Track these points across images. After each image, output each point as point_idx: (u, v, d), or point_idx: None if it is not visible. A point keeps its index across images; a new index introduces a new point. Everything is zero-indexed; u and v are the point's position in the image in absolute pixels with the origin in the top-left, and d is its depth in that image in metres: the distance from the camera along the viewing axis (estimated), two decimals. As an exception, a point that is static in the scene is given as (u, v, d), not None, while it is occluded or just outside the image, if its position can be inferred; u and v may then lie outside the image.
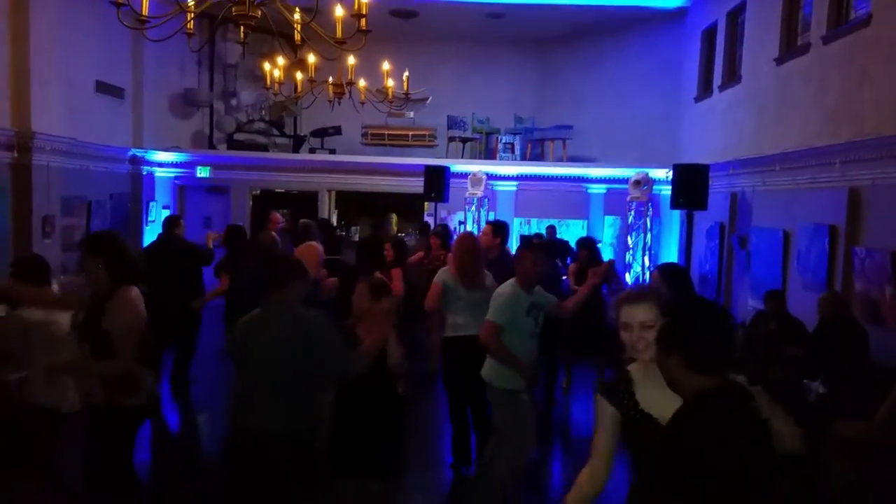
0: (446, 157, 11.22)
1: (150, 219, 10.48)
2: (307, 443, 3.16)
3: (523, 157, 11.46)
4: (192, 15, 4.17)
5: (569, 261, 7.87)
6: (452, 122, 11.54)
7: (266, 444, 3.02)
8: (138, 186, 10.41)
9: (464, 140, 11.57)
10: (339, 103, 7.54)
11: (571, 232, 10.37)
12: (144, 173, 10.53)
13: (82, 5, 8.38)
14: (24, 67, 7.40)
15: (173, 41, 4.63)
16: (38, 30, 7.48)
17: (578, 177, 11.01)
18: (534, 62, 12.57)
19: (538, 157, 11.57)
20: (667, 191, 9.70)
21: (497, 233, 6.10)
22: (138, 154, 10.28)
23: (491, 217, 10.10)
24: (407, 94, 7.49)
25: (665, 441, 1.92)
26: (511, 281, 4.13)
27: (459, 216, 10.81)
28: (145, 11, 3.90)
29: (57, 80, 7.85)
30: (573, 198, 11.01)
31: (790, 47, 7.51)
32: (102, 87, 9.25)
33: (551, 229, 9.79)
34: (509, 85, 12.30)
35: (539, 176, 11.03)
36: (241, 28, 4.72)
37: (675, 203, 8.22)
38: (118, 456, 3.38)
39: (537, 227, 10.64)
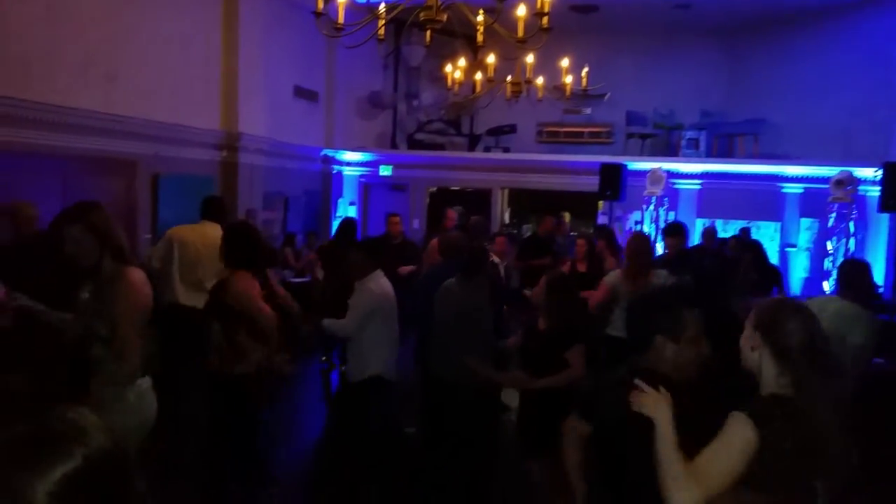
0: (624, 155, 10.84)
1: (337, 214, 11.21)
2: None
3: (709, 154, 10.76)
4: (384, 21, 4.36)
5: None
6: (631, 118, 11.11)
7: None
8: (328, 184, 11.18)
9: (643, 136, 11.10)
10: (517, 101, 7.55)
11: (762, 234, 9.58)
12: (334, 172, 11.29)
13: (284, 17, 9.12)
14: (233, 76, 8.22)
15: (362, 46, 4.88)
16: (246, 42, 8.26)
17: (771, 175, 10.13)
18: (721, 53, 11.75)
19: (725, 153, 10.81)
20: (874, 192, 8.73)
21: (672, 234, 5.89)
22: (329, 154, 11.03)
23: (671, 217, 9.62)
24: (585, 90, 7.32)
25: None
26: None
27: (636, 216, 10.40)
28: (341, 20, 4.15)
29: (260, 87, 8.62)
30: (764, 198, 10.15)
31: None
32: (299, 92, 10.01)
33: (745, 231, 9.11)
34: (694, 78, 11.60)
35: (726, 174, 10.29)
36: (427, 31, 4.87)
37: (885, 205, 7.37)
38: (235, 423, 3.68)
39: (722, 228, 9.97)
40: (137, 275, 2.97)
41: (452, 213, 8.21)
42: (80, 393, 2.83)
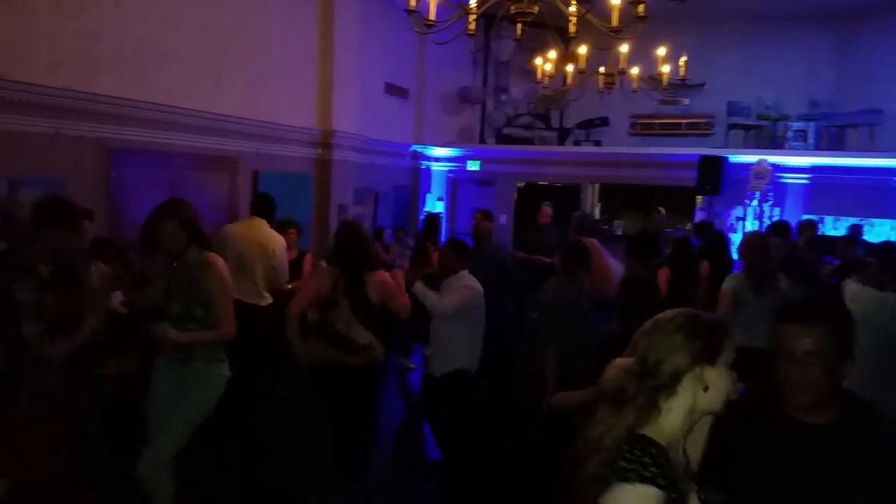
0: (724, 147, 10.38)
1: (425, 209, 11.32)
2: None
3: (818, 147, 10.13)
4: (474, 17, 4.35)
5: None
6: (733, 109, 10.60)
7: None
8: (416, 179, 11.31)
9: (746, 128, 10.57)
10: (610, 93, 7.37)
11: (877, 232, 8.94)
12: (422, 167, 11.41)
13: (377, 16, 9.28)
14: (328, 75, 8.44)
15: (451, 42, 4.89)
16: (341, 41, 8.45)
17: (887, 168, 9.43)
18: (832, 39, 10.99)
19: (836, 145, 10.15)
20: None
21: (778, 233, 5.57)
22: (418, 149, 11.15)
23: (776, 214, 9.14)
24: (682, 79, 7.07)
25: None
26: None
27: (737, 212, 9.94)
28: (432, 16, 4.17)
29: (354, 85, 8.81)
30: (880, 194, 9.45)
31: None
32: (390, 89, 10.17)
33: (855, 229, 8.51)
34: (802, 66, 10.91)
35: (837, 167, 9.65)
36: (518, 25, 4.83)
37: None
38: (348, 414, 3.81)
39: (832, 225, 9.38)
40: (221, 261, 3.38)
41: (547, 209, 8.12)
42: None
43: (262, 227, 5.45)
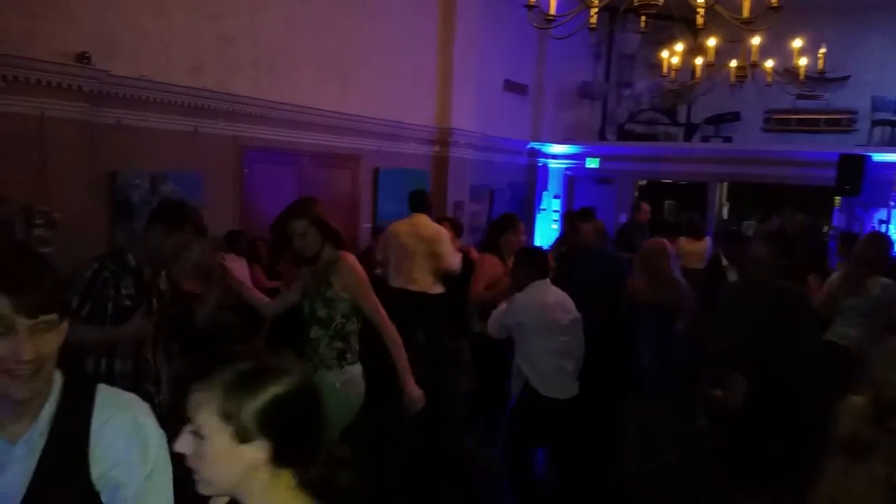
0: (867, 144, 9.55)
1: (541, 207, 11.23)
2: None
3: (981, 144, 9.12)
4: (596, 10, 4.27)
5: None
6: (878, 104, 9.74)
7: None
8: (533, 176, 11.23)
9: (892, 124, 9.69)
10: (741, 87, 7.00)
11: None
12: (539, 165, 11.31)
13: (497, 13, 9.30)
14: (447, 72, 8.56)
15: (574, 37, 4.82)
16: (460, 40, 8.55)
17: None
18: None
19: None
20: None
21: None
22: (535, 146, 11.07)
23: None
24: (822, 72, 6.61)
25: None
26: None
27: (881, 214, 9.13)
28: (553, 11, 4.14)
29: (473, 83, 8.87)
30: None
31: None
32: (509, 86, 10.15)
33: None
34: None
35: None
36: (642, 17, 4.69)
37: None
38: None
39: None
40: (352, 257, 3.27)
41: (647, 206, 7.82)
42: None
43: (424, 220, 5.70)
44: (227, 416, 1.16)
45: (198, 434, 1.16)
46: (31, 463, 1.29)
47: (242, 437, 1.16)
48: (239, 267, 5.58)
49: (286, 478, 1.22)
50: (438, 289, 5.54)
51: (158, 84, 5.31)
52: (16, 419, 1.29)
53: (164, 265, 2.95)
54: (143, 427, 1.39)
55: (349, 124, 7.20)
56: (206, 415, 1.16)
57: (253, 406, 1.17)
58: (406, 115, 8.03)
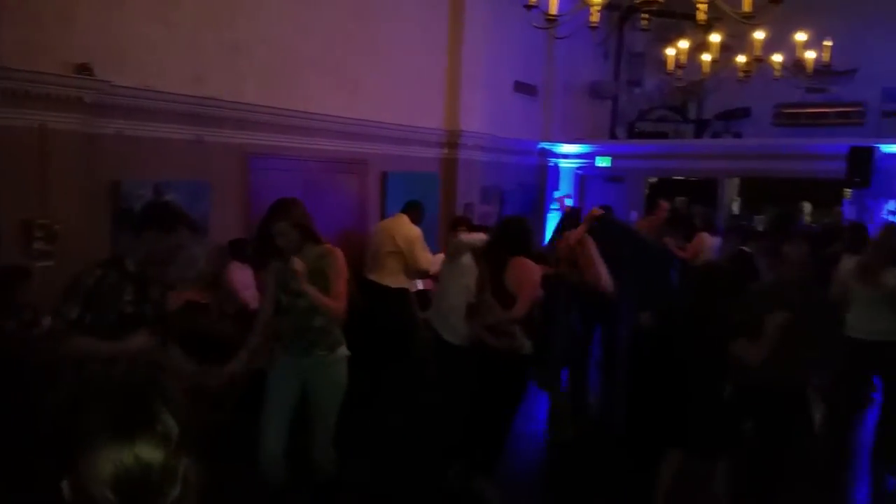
0: (877, 136, 9.46)
1: (551, 206, 11.19)
2: None
3: None
4: (597, 9, 4.27)
5: None
6: (888, 95, 9.69)
7: None
8: (543, 177, 11.20)
9: (905, 114, 9.61)
10: (750, 82, 6.95)
11: None
12: (550, 164, 11.28)
13: (506, 15, 9.28)
14: (456, 74, 8.56)
15: (583, 37, 4.82)
16: (469, 43, 8.54)
17: None
18: None
19: None
20: None
21: None
22: (546, 147, 11.04)
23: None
24: (827, 66, 6.57)
25: None
26: None
27: (890, 205, 9.05)
28: (553, 10, 4.14)
29: (482, 85, 8.86)
30: None
31: None
32: (519, 87, 10.12)
33: None
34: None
35: None
36: (643, 15, 4.68)
37: None
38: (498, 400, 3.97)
39: None
40: (339, 251, 3.52)
41: (665, 204, 7.78)
42: None
43: (403, 221, 6.26)
44: None
45: None
46: None
47: None
48: (244, 274, 5.62)
49: None
50: (403, 283, 6.16)
51: (162, 94, 5.32)
52: None
53: (163, 268, 3.02)
54: None
55: (357, 129, 7.22)
56: None
57: None
58: (414, 118, 8.03)
